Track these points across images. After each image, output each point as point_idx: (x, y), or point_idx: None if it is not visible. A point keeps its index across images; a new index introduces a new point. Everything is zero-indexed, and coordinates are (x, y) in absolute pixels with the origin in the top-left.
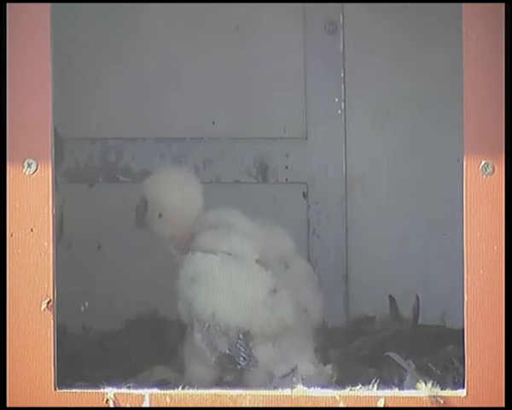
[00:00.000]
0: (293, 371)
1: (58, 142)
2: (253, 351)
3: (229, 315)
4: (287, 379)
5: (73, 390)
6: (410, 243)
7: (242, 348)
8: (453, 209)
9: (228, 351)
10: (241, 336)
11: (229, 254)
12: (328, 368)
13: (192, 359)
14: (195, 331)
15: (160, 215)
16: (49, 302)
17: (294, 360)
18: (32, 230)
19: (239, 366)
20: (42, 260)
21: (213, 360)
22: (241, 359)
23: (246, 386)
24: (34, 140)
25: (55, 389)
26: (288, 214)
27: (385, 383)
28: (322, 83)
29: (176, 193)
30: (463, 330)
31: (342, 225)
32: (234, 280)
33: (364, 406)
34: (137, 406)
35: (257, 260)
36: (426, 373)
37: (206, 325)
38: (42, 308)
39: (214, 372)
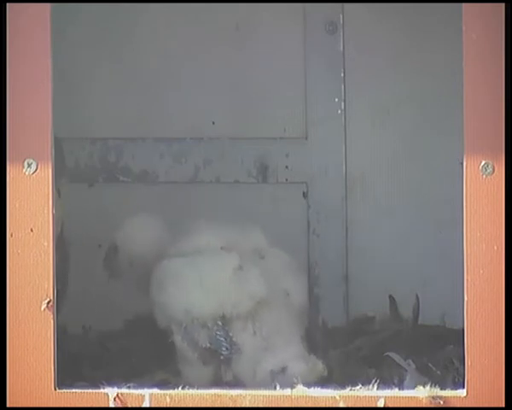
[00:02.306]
0: (283, 368)
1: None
2: (233, 339)
3: (201, 305)
4: (273, 367)
5: (73, 390)
6: (410, 243)
7: (222, 338)
8: (453, 209)
9: (209, 344)
10: (219, 324)
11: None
12: (317, 360)
13: (180, 359)
14: (175, 334)
15: (132, 264)
16: (49, 302)
17: (280, 346)
18: (32, 230)
19: (222, 357)
20: (42, 260)
21: (196, 356)
22: (223, 348)
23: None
24: (34, 140)
25: (55, 389)
26: (287, 214)
27: (385, 383)
28: (322, 83)
29: (146, 240)
30: (463, 330)
31: (342, 225)
32: (201, 272)
33: (364, 406)
34: (137, 406)
35: (221, 248)
36: (426, 373)
37: (184, 325)
38: (42, 308)
39: (204, 370)
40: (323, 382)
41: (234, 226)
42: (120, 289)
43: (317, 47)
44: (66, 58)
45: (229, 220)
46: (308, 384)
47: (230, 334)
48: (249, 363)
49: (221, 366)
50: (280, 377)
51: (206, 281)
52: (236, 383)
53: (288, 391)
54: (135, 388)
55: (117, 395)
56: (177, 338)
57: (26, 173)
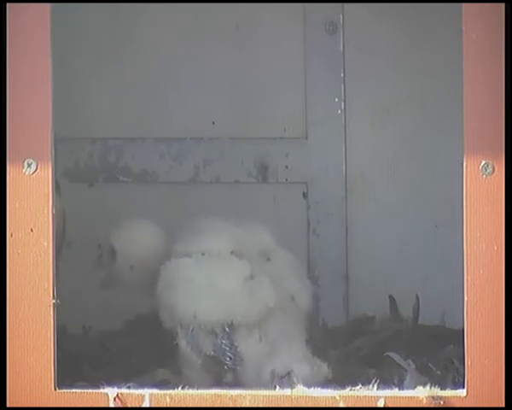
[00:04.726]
0: (289, 372)
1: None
2: (238, 350)
3: (210, 311)
4: (280, 373)
5: (73, 390)
6: (410, 243)
7: (227, 348)
8: (453, 209)
9: (213, 352)
10: (227, 331)
11: (203, 254)
12: (321, 362)
13: (182, 364)
14: (180, 338)
15: (132, 267)
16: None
17: (285, 351)
18: (32, 230)
19: (225, 367)
20: (42, 260)
21: (200, 363)
22: (227, 358)
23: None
24: (34, 140)
25: (55, 389)
26: (288, 214)
27: (385, 383)
28: (322, 83)
29: (144, 244)
30: (463, 330)
31: (342, 225)
32: (210, 276)
33: (364, 406)
34: (137, 406)
35: (231, 253)
36: (426, 373)
37: (190, 329)
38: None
39: (206, 376)
40: (324, 382)
41: (240, 227)
42: (119, 293)
43: (317, 47)
44: (67, 58)
45: (236, 221)
46: (308, 384)
47: (236, 343)
48: (253, 369)
49: (225, 375)
50: (284, 381)
51: (214, 286)
52: (237, 384)
53: (287, 391)
54: (135, 388)
55: (117, 395)
56: (182, 342)
57: (26, 173)
